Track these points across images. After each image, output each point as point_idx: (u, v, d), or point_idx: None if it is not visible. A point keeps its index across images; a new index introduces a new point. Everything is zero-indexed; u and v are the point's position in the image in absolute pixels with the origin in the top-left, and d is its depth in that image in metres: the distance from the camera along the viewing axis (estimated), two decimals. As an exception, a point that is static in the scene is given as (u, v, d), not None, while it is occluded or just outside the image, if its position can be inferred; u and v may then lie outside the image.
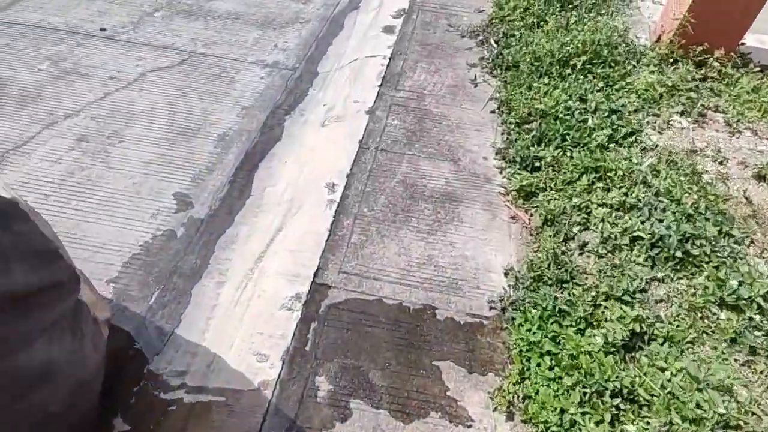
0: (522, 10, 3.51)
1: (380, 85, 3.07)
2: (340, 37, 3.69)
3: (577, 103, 2.76)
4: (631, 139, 2.54)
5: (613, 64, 3.01)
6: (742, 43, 3.03)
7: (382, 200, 2.38)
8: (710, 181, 2.31)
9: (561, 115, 2.65)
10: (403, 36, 3.53)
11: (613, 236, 2.09)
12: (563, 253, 2.08)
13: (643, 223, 2.09)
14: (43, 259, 1.26)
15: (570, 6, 3.54)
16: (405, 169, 2.54)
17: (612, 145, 2.50)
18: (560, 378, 1.64)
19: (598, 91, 2.86)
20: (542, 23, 3.39)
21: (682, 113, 2.73)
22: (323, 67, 3.39)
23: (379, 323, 1.91)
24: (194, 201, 2.49)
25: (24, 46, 3.36)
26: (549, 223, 2.21)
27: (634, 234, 2.06)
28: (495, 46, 3.36)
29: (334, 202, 2.35)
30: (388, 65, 3.24)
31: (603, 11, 3.51)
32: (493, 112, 2.91)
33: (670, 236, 2.00)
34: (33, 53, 3.31)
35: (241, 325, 1.93)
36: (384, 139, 2.71)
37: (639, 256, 2.01)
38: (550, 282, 1.95)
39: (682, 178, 2.27)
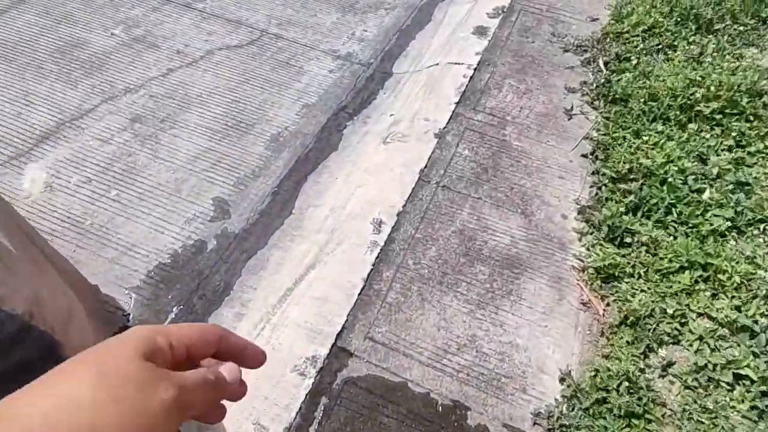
0: (646, 28, 2.87)
1: (457, 102, 2.64)
2: (425, 32, 3.25)
3: (695, 164, 2.20)
4: (758, 230, 1.98)
5: (751, 119, 2.37)
6: None
7: (432, 253, 2.02)
8: None
9: (670, 179, 2.11)
10: (495, 42, 3.03)
11: (710, 366, 1.62)
12: (641, 371, 1.65)
13: (755, 357, 1.60)
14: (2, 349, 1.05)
15: (708, 31, 2.84)
16: (466, 217, 2.15)
17: (731, 234, 1.96)
18: None
19: (724, 151, 2.27)
20: (669, 50, 2.75)
21: (834, 200, 2.10)
22: (399, 67, 2.99)
23: (398, 415, 1.60)
24: (232, 210, 2.27)
25: (102, 5, 3.22)
26: (629, 324, 1.76)
27: (740, 371, 1.58)
28: (603, 69, 2.78)
29: (377, 245, 2.03)
30: (471, 77, 2.79)
31: (752, 41, 2.79)
32: (585, 156, 2.41)
33: (791, 387, 1.50)
34: (110, 14, 3.17)
35: (247, 380, 1.70)
36: (449, 173, 2.31)
37: (742, 402, 1.54)
38: (615, 412, 1.54)
39: (822, 301, 1.72)
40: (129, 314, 1.95)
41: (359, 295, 1.87)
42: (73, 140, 2.47)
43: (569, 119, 2.58)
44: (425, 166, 2.34)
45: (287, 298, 1.93)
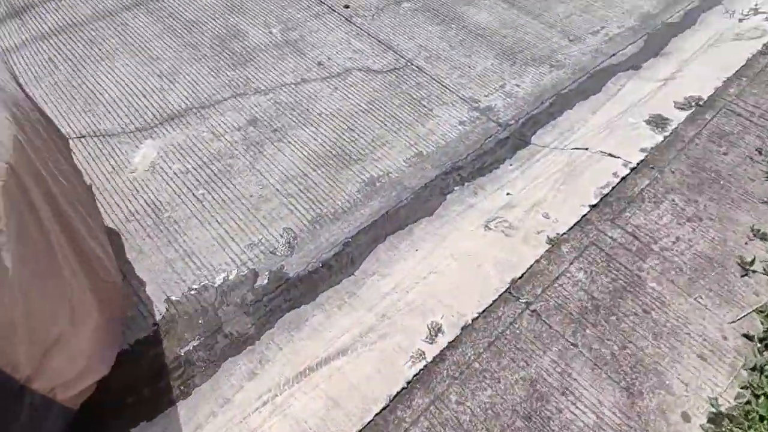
0: None
1: (593, 206, 2.06)
2: (586, 104, 2.67)
3: None
4: None
5: None
6: None
7: (485, 397, 1.54)
8: None
9: None
10: (673, 141, 2.34)
11: None
12: None
13: None
14: None
15: None
16: (547, 364, 1.62)
17: None
18: None
19: None
20: None
21: None
22: (540, 139, 2.48)
23: None
24: (297, 249, 2.04)
25: (277, 2, 3.24)
26: None
27: None
28: (821, 221, 1.95)
29: (423, 358, 1.62)
30: (623, 179, 2.17)
31: None
32: (748, 338, 1.68)
33: None
34: (276, 12, 3.17)
35: (219, 464, 1.45)
36: (547, 296, 1.78)
37: None
38: None
39: None
40: (157, 325, 1.83)
41: (376, 416, 1.49)
42: (192, 127, 2.47)
43: (743, 276, 1.84)
44: (520, 277, 1.84)
45: (303, 379, 1.62)
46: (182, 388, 1.68)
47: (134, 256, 2.01)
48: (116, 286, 1.65)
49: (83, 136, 2.41)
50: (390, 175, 2.32)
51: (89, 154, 2.32)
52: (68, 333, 1.32)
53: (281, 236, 2.08)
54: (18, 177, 1.24)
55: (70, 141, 2.36)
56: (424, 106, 2.64)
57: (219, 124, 2.49)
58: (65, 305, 1.32)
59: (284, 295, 1.91)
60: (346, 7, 3.23)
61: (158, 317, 1.84)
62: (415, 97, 2.68)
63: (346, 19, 3.15)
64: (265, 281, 1.95)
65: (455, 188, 2.27)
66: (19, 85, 1.69)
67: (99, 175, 2.25)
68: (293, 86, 2.71)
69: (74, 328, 1.35)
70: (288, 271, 1.98)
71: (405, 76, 2.79)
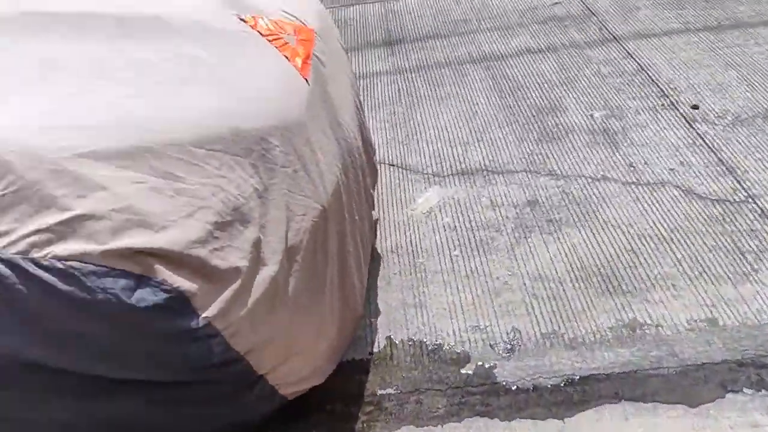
0: None
1: None
2: None
3: None
4: None
5: None
6: None
7: None
8: None
9: None
10: None
11: None
12: None
13: None
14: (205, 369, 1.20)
15: None
16: None
17: None
18: None
19: None
20: None
21: None
22: None
23: None
24: (516, 356, 1.90)
25: (614, 85, 3.00)
26: None
27: None
28: None
29: None
30: None
31: None
32: None
33: None
34: (607, 95, 2.94)
35: None
36: None
37: None
38: None
39: None
40: (371, 355, 2.00)
41: None
42: (475, 188, 2.55)
43: None
44: None
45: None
46: (364, 425, 1.80)
47: (383, 285, 2.23)
48: (357, 314, 1.87)
49: (392, 165, 2.78)
50: (659, 328, 1.88)
51: (389, 182, 2.68)
52: (307, 348, 1.56)
53: (507, 334, 1.96)
54: (326, 219, 1.50)
55: (381, 165, 2.77)
56: (748, 262, 2.01)
57: (500, 194, 2.49)
58: (315, 326, 1.56)
59: (483, 396, 1.81)
60: (695, 107, 2.72)
61: (376, 349, 2.01)
62: (739, 245, 2.07)
63: (687, 121, 2.66)
64: (471, 372, 1.88)
65: (745, 390, 1.68)
66: (362, 114, 2.06)
67: (388, 203, 2.57)
68: (590, 180, 2.47)
69: (314, 344, 1.59)
70: (498, 374, 1.86)
71: (736, 215, 2.19)
